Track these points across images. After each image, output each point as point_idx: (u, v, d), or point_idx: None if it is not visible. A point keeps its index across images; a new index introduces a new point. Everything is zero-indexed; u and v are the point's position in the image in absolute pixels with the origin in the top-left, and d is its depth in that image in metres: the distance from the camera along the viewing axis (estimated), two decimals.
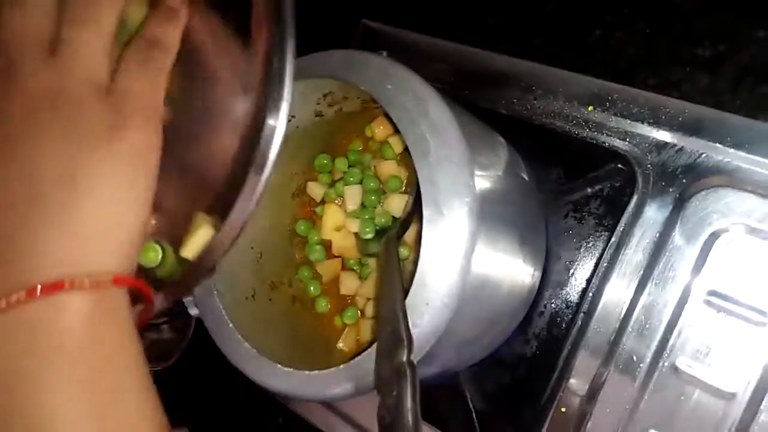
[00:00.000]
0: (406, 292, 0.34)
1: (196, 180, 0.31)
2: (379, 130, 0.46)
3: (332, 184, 0.52)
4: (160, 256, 0.30)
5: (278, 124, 0.27)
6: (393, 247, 0.41)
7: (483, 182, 0.37)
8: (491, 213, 0.38)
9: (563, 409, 0.47)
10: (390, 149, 0.46)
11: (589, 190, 0.49)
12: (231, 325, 0.40)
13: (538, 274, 0.47)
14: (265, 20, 0.28)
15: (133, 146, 0.26)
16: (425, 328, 0.33)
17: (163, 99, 0.28)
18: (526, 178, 0.46)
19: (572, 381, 0.46)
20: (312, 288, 0.51)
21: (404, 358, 0.29)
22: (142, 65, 0.27)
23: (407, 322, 0.31)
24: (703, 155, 0.45)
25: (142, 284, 0.28)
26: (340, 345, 0.49)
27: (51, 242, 0.24)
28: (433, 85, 0.48)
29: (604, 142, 0.48)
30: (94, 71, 0.26)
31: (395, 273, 0.37)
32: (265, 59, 0.28)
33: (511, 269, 0.42)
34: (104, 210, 0.25)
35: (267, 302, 0.49)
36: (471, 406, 0.50)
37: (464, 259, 0.33)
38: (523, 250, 0.43)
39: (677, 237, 0.45)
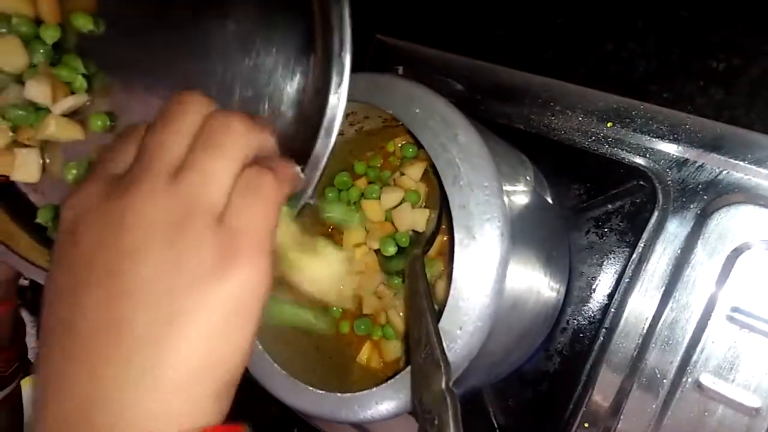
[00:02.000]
0: (438, 315, 0.34)
1: None
2: (402, 147, 0.46)
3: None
4: None
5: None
6: (420, 265, 0.41)
7: (512, 204, 0.38)
8: (520, 234, 0.38)
9: (586, 425, 0.47)
10: (413, 167, 0.46)
11: (610, 206, 0.49)
12: (260, 347, 0.40)
13: (562, 291, 0.47)
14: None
15: (239, 285, 0.24)
16: (459, 353, 0.33)
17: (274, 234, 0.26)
18: (549, 197, 0.46)
19: (595, 397, 0.46)
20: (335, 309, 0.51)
21: (443, 385, 0.29)
22: (256, 196, 0.25)
23: (443, 347, 0.32)
24: (724, 171, 0.45)
25: (234, 429, 0.26)
26: (363, 363, 0.49)
27: (137, 402, 0.22)
28: (450, 101, 0.49)
29: (624, 158, 0.48)
30: (213, 202, 0.24)
31: (425, 293, 0.37)
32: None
33: (538, 288, 0.42)
34: (199, 354, 0.23)
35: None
36: (494, 422, 0.50)
37: (497, 283, 0.33)
38: (549, 268, 0.43)
39: (699, 253, 0.45)
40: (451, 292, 0.34)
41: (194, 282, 0.23)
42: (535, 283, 0.41)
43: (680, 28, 0.52)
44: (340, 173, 0.52)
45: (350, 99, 0.40)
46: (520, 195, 0.41)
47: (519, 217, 0.38)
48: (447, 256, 0.45)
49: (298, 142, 0.33)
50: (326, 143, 0.32)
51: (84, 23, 0.40)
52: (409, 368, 0.34)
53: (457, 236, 0.34)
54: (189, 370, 0.23)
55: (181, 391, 0.23)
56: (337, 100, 0.32)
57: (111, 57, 0.41)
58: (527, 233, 0.39)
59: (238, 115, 0.26)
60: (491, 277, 0.33)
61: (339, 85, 0.31)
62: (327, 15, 0.31)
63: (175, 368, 0.23)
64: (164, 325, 0.23)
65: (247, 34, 0.35)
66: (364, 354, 0.49)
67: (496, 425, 0.50)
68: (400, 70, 0.61)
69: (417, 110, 0.36)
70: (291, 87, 0.35)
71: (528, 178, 0.44)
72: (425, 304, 0.35)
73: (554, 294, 0.45)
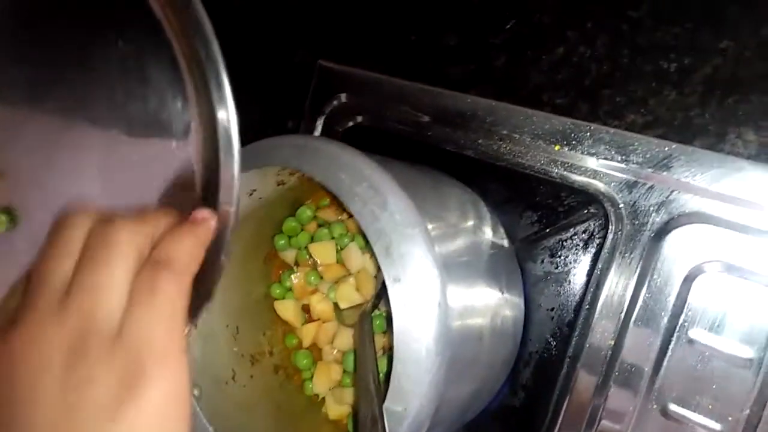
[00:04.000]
0: (385, 392, 0.33)
1: None
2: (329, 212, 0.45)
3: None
4: None
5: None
6: (367, 327, 0.40)
7: (454, 260, 0.36)
8: (464, 291, 0.37)
9: None
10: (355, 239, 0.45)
11: (563, 234, 0.48)
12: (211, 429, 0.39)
13: (519, 327, 0.46)
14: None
15: (153, 404, 0.22)
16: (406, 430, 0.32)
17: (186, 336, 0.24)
18: (500, 234, 0.45)
19: (563, 429, 0.46)
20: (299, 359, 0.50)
21: None
22: (151, 295, 0.23)
23: (381, 404, 0.31)
24: (675, 192, 0.44)
25: None
26: (326, 412, 0.49)
27: None
28: (397, 128, 0.47)
29: (574, 183, 0.47)
30: (106, 319, 0.22)
31: (371, 365, 0.37)
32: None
33: (492, 334, 0.41)
34: None
35: (249, 380, 0.48)
36: None
37: (439, 356, 0.32)
38: (501, 310, 0.42)
39: (656, 276, 0.44)
40: (393, 370, 0.32)
41: (100, 414, 0.21)
42: (486, 332, 0.40)
43: (630, 30, 0.50)
44: (287, 219, 0.50)
45: (277, 164, 0.38)
46: (465, 243, 0.40)
47: (460, 275, 0.37)
48: None
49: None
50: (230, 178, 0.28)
51: None
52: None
53: (394, 311, 0.32)
54: None
55: None
56: (231, 178, 0.29)
57: None
58: (473, 284, 0.38)
59: (118, 221, 0.24)
60: (432, 350, 0.32)
61: (231, 164, 0.28)
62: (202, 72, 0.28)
63: None
64: None
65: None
66: (329, 407, 0.49)
67: None
68: (344, 97, 0.60)
69: (343, 176, 0.34)
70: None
71: (476, 220, 0.43)
72: (371, 380, 0.34)
73: (510, 338, 0.44)
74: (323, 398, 0.49)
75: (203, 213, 0.26)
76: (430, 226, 0.35)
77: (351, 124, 0.59)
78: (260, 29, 0.67)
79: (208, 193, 0.29)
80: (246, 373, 0.48)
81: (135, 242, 0.24)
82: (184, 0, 0.27)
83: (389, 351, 0.41)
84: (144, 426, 0.22)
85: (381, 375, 0.40)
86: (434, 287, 0.32)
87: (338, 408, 0.48)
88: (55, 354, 0.22)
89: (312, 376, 0.50)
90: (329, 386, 0.49)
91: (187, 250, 0.25)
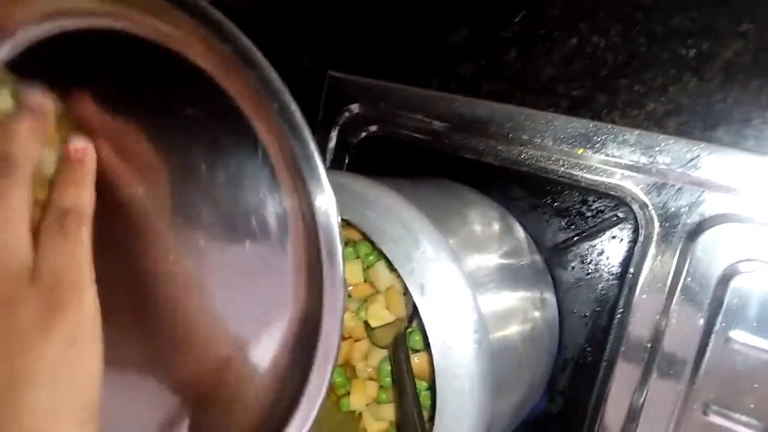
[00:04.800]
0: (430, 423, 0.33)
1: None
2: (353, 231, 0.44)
3: None
4: None
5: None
6: (402, 351, 0.40)
7: (484, 285, 0.36)
8: (499, 312, 0.37)
9: None
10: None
11: (592, 239, 0.47)
12: None
13: (555, 338, 0.46)
14: None
15: (69, 328, 0.26)
16: None
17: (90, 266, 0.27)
18: (526, 247, 0.44)
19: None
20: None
21: None
22: (59, 238, 0.27)
23: (423, 427, 0.31)
24: (705, 192, 0.43)
25: None
26: (364, 428, 0.49)
27: None
28: (412, 137, 0.46)
29: (601, 186, 0.46)
30: (12, 260, 0.26)
31: (408, 383, 0.37)
32: None
33: (529, 351, 0.41)
34: (49, 402, 0.25)
35: None
36: None
37: (482, 391, 0.32)
38: (536, 324, 0.42)
39: (690, 278, 0.43)
40: (438, 407, 0.32)
41: (24, 342, 0.25)
42: (524, 349, 0.40)
43: (644, 17, 0.49)
44: None
45: None
46: (495, 262, 0.39)
47: (497, 288, 0.36)
48: None
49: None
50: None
51: None
52: None
53: (434, 348, 0.32)
54: (42, 414, 0.25)
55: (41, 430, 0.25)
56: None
57: None
58: (507, 303, 0.38)
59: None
60: (475, 383, 0.32)
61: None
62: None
63: (30, 415, 0.25)
64: (8, 385, 0.25)
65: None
66: (367, 424, 0.49)
67: None
68: (356, 107, 0.59)
69: (372, 215, 0.34)
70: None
71: (505, 235, 0.42)
72: (414, 412, 0.34)
73: (547, 350, 0.44)
74: (360, 413, 0.49)
75: (80, 144, 0.29)
76: (458, 247, 0.34)
77: (365, 134, 0.59)
78: (264, 34, 0.66)
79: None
80: None
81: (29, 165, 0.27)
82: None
83: (429, 375, 0.42)
84: (62, 344, 0.26)
85: (421, 394, 0.40)
86: (471, 322, 0.32)
87: (377, 424, 0.48)
88: None
89: (348, 393, 0.51)
90: (366, 402, 0.49)
91: (87, 196, 0.28)
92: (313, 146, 0.26)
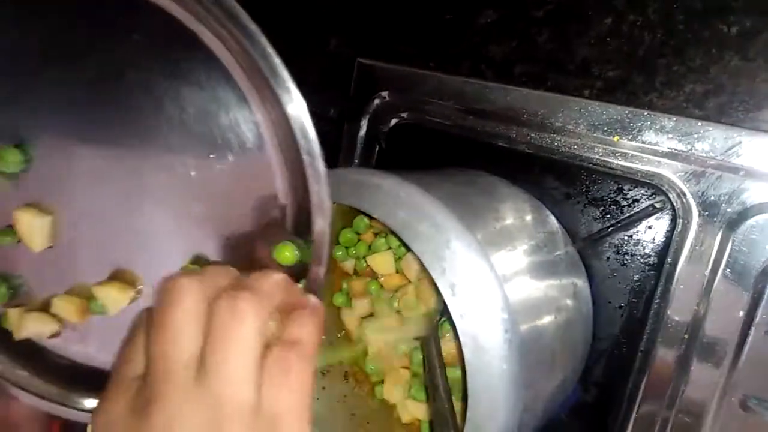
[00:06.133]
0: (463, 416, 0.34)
1: None
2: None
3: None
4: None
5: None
6: (434, 346, 0.40)
7: (515, 279, 0.36)
8: (531, 307, 0.37)
9: None
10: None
11: (628, 228, 0.46)
12: None
13: (589, 330, 0.45)
14: None
15: None
16: None
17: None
18: (560, 239, 0.44)
19: (637, 422, 0.46)
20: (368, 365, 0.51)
21: None
22: (285, 375, 0.25)
23: (455, 423, 0.31)
24: (747, 180, 0.42)
25: None
26: (398, 416, 0.50)
27: None
28: (443, 124, 0.45)
29: (637, 174, 0.45)
30: (243, 398, 0.24)
31: (438, 373, 0.37)
32: None
33: (563, 343, 0.41)
34: None
35: (321, 392, 0.49)
36: None
37: (514, 393, 0.32)
38: (570, 317, 0.42)
39: (730, 269, 0.42)
40: (469, 405, 0.33)
41: None
42: (558, 342, 0.40)
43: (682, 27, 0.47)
44: (344, 230, 0.51)
45: (335, 201, 0.38)
46: (527, 255, 0.39)
47: (528, 281, 0.36)
48: None
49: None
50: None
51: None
52: None
53: (464, 347, 0.33)
54: None
55: None
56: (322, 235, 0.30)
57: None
58: (540, 297, 0.38)
59: (244, 291, 0.25)
60: (506, 377, 0.32)
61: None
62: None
63: None
64: None
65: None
66: (401, 412, 0.50)
67: None
68: (385, 95, 0.58)
69: (403, 214, 0.34)
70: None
71: (537, 227, 0.42)
72: (446, 406, 0.35)
73: (581, 341, 0.44)
74: (392, 406, 0.50)
75: (316, 300, 0.29)
76: (489, 243, 0.34)
77: (395, 122, 0.58)
78: (291, 16, 0.66)
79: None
80: (318, 385, 0.49)
81: (260, 317, 0.25)
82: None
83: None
84: None
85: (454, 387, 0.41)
86: (502, 321, 0.32)
87: (410, 412, 0.49)
88: (198, 428, 0.23)
89: (381, 381, 0.51)
90: (400, 390, 0.50)
91: (313, 332, 0.27)
92: (275, 57, 0.28)
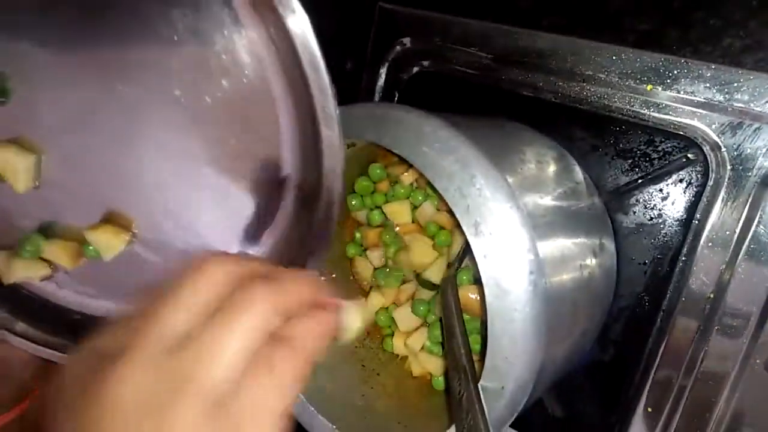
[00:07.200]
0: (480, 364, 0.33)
1: None
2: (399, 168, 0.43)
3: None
4: None
5: None
6: (452, 293, 0.39)
7: (539, 225, 0.34)
8: (555, 254, 0.35)
9: (649, 409, 0.45)
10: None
11: (657, 182, 0.44)
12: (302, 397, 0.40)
13: (612, 285, 0.44)
14: None
15: None
16: (503, 411, 0.32)
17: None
18: (586, 189, 0.42)
19: (656, 382, 0.45)
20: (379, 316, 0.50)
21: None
22: (267, 372, 0.22)
23: (485, 415, 0.30)
24: None
25: None
26: (409, 369, 0.49)
27: None
28: (467, 72, 0.43)
29: (670, 125, 0.43)
30: (211, 381, 0.21)
31: (457, 324, 0.36)
32: None
33: (584, 296, 0.39)
34: None
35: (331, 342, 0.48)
36: (550, 412, 0.49)
37: (536, 336, 0.31)
38: (593, 270, 0.40)
39: (762, 227, 0.41)
40: (489, 349, 0.31)
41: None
42: (580, 293, 0.38)
43: None
44: (359, 178, 0.49)
45: (355, 136, 0.36)
46: (553, 202, 0.37)
47: (553, 229, 0.35)
48: None
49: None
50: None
51: None
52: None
53: (486, 289, 0.31)
54: None
55: None
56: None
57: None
58: (563, 246, 0.36)
59: (257, 283, 0.23)
60: (528, 322, 0.31)
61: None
62: None
63: None
64: None
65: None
66: (412, 365, 0.49)
67: (552, 415, 0.49)
68: (407, 41, 0.56)
69: (427, 149, 0.32)
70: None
71: (562, 175, 0.40)
72: (462, 355, 0.34)
73: (603, 296, 0.42)
74: (402, 358, 0.50)
75: (340, 301, 0.26)
76: (514, 186, 0.32)
77: (416, 70, 0.56)
78: None
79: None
80: None
81: (266, 309, 0.23)
82: None
83: (480, 312, 0.41)
84: None
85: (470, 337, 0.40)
86: (528, 263, 0.31)
87: (422, 365, 0.48)
88: (148, 398, 0.21)
89: (392, 334, 0.50)
90: (413, 343, 0.49)
91: (316, 336, 0.24)
92: None
